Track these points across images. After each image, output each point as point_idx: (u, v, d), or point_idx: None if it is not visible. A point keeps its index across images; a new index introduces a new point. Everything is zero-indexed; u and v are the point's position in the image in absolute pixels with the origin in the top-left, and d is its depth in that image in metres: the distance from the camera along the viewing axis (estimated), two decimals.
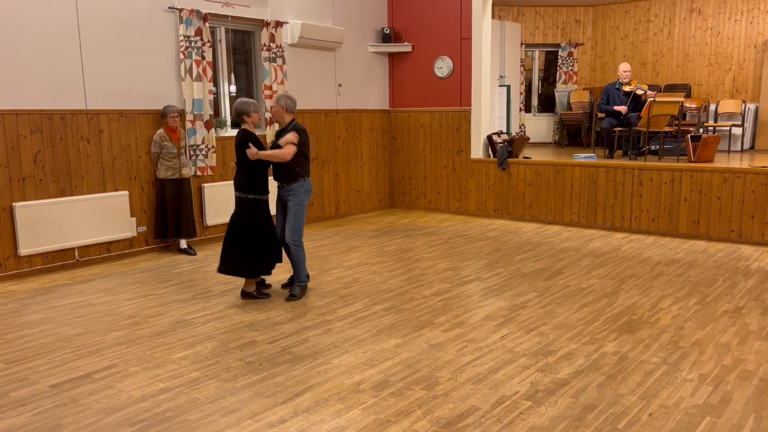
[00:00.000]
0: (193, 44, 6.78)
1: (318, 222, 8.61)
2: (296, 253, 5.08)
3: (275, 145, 4.96)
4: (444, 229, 8.05)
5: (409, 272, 5.93)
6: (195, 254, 6.71)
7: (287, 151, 4.84)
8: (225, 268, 4.97)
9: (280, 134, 5.04)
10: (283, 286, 5.38)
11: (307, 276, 5.25)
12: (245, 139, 4.83)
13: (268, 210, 5.02)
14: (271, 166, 4.97)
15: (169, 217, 6.60)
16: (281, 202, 5.13)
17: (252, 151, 4.76)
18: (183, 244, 6.77)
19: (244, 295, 5.13)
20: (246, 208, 4.90)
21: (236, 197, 4.96)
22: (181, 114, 6.81)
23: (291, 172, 4.99)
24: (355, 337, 4.27)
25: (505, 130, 9.20)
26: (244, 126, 4.93)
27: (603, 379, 3.56)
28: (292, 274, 5.29)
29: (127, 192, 6.50)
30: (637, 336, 4.23)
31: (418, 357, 3.90)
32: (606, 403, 3.27)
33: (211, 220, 7.22)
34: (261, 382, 3.57)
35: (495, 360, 3.85)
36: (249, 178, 4.89)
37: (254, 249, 4.91)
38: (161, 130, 6.52)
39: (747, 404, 3.25)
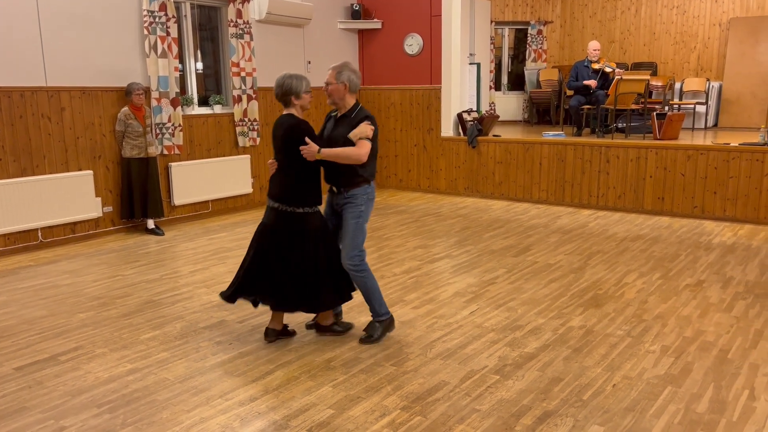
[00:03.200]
0: (157, 20, 6.62)
1: None
2: (361, 281, 3.74)
3: (332, 140, 3.66)
4: (414, 207, 8.07)
5: (380, 250, 5.94)
6: (163, 234, 6.62)
7: (362, 150, 3.54)
8: (285, 304, 3.72)
9: (339, 121, 3.71)
10: (308, 326, 4.07)
11: (385, 312, 3.85)
12: (298, 130, 3.55)
13: (324, 223, 3.76)
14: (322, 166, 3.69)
15: (136, 196, 6.49)
16: (334, 213, 3.84)
17: (312, 149, 3.51)
18: (150, 224, 6.67)
19: (319, 329, 3.97)
20: (290, 225, 3.64)
21: (273, 209, 3.66)
22: (147, 91, 6.66)
23: (354, 173, 3.66)
24: None
25: (475, 108, 9.22)
26: (289, 110, 3.65)
27: (569, 353, 3.63)
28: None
29: (91, 171, 6.36)
30: (602, 310, 4.32)
31: (389, 334, 3.93)
32: (572, 376, 3.34)
33: (178, 199, 7.12)
34: (231, 361, 3.56)
35: (464, 335, 3.90)
36: (301, 185, 3.64)
37: (316, 275, 3.67)
38: (126, 108, 6.37)
39: (707, 374, 3.36)
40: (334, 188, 3.80)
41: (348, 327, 3.98)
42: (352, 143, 3.59)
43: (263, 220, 3.75)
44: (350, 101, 3.71)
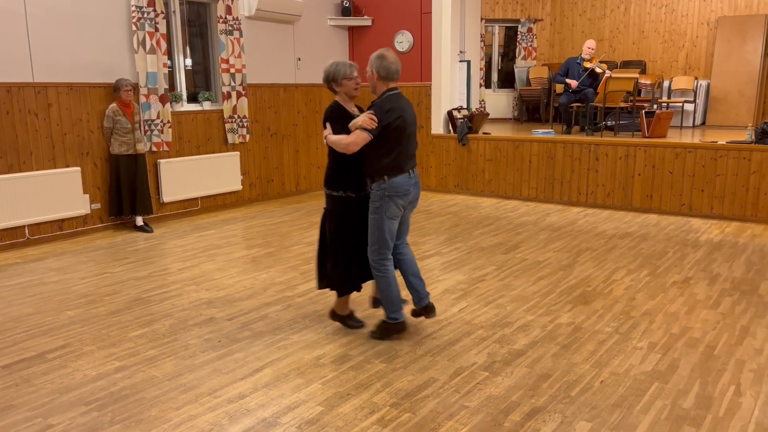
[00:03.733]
0: (145, 15, 6.57)
1: (278, 198, 8.55)
2: (378, 279, 3.72)
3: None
4: None
5: None
6: (152, 231, 6.58)
7: (351, 138, 3.49)
8: (322, 282, 3.91)
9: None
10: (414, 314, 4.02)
11: (395, 317, 3.79)
12: (324, 117, 3.69)
13: (353, 211, 3.72)
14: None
15: (124, 193, 6.45)
16: None
17: (324, 132, 3.65)
18: (139, 221, 6.63)
19: (333, 316, 4.02)
20: (334, 208, 3.74)
21: (325, 194, 3.80)
22: (135, 88, 6.62)
23: (367, 166, 3.65)
24: (316, 312, 4.27)
25: (465, 106, 9.23)
26: (335, 98, 3.74)
27: (558, 349, 3.65)
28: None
29: (79, 168, 6.31)
30: (591, 307, 4.34)
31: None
32: (560, 372, 3.36)
33: (167, 196, 7.08)
34: (220, 359, 3.55)
35: (453, 332, 3.91)
36: (335, 169, 3.71)
37: (342, 259, 3.74)
38: (114, 105, 6.33)
39: (693, 370, 3.38)
40: None
41: (360, 325, 3.97)
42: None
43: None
44: (381, 88, 3.65)
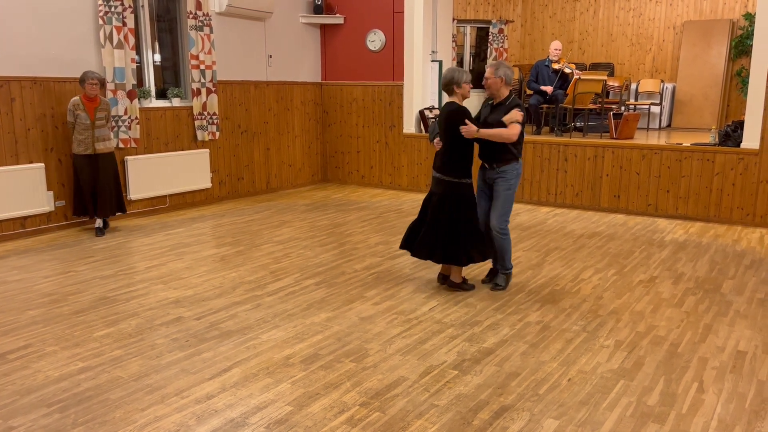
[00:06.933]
0: (112, 9, 6.44)
1: (249, 196, 8.47)
2: (501, 242, 4.57)
3: (488, 123, 4.42)
4: (376, 203, 8.07)
5: (341, 247, 5.93)
6: (103, 235, 6.19)
7: (513, 131, 4.33)
8: (423, 253, 4.52)
9: (495, 108, 4.51)
10: (483, 281, 4.85)
11: (511, 267, 4.76)
12: (460, 114, 4.29)
13: (473, 193, 4.50)
14: (477, 145, 4.46)
15: (86, 195, 6.12)
16: (486, 185, 4.62)
17: (471, 129, 4.24)
18: (98, 223, 6.29)
19: (452, 285, 4.65)
20: (447, 191, 4.41)
21: (435, 178, 4.49)
22: (102, 82, 6.48)
23: (506, 152, 4.45)
24: (285, 311, 4.24)
25: (436, 106, 9.26)
26: (451, 98, 4.40)
27: (526, 348, 3.69)
28: (490, 267, 4.89)
29: (42, 164, 6.16)
30: (559, 306, 4.40)
31: (349, 330, 3.93)
32: (528, 370, 3.39)
33: (135, 194, 6.96)
34: (187, 359, 3.50)
35: (424, 331, 3.92)
36: (454, 158, 4.39)
37: (458, 234, 4.40)
38: (77, 98, 6.04)
39: (658, 367, 3.45)
40: (487, 164, 4.58)
41: (472, 287, 4.68)
42: (505, 125, 4.35)
43: (430, 188, 4.58)
44: (505, 92, 4.49)
